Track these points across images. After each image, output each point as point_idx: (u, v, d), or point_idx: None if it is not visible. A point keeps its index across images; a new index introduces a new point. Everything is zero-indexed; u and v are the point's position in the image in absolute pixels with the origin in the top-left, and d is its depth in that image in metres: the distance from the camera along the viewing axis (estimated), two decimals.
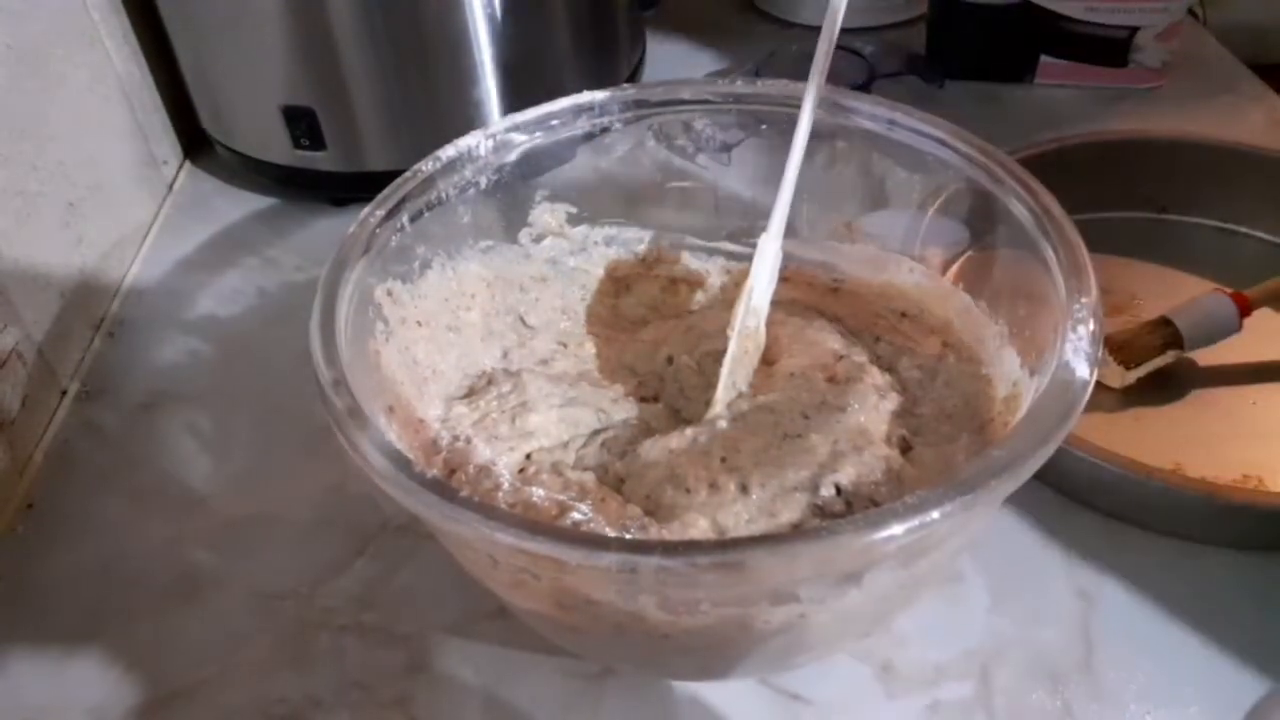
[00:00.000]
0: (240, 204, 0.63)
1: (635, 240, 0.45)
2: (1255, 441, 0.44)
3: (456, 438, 0.37)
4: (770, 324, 0.39)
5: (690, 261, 0.45)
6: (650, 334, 0.43)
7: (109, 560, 0.42)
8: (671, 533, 0.32)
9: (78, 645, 0.39)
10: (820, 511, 0.33)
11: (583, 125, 0.41)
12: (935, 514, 0.25)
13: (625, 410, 0.39)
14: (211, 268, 0.58)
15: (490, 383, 0.39)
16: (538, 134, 0.40)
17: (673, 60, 0.74)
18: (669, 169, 0.43)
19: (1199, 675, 0.36)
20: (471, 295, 0.41)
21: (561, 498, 0.34)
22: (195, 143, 0.67)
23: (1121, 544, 0.40)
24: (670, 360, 0.40)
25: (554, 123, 0.40)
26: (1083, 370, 0.28)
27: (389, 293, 0.37)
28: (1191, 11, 0.75)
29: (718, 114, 0.41)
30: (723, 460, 0.34)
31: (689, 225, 0.45)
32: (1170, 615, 0.38)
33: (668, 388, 0.40)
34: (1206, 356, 0.46)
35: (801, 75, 0.36)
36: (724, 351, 0.37)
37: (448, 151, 0.38)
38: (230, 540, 0.43)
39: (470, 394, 0.39)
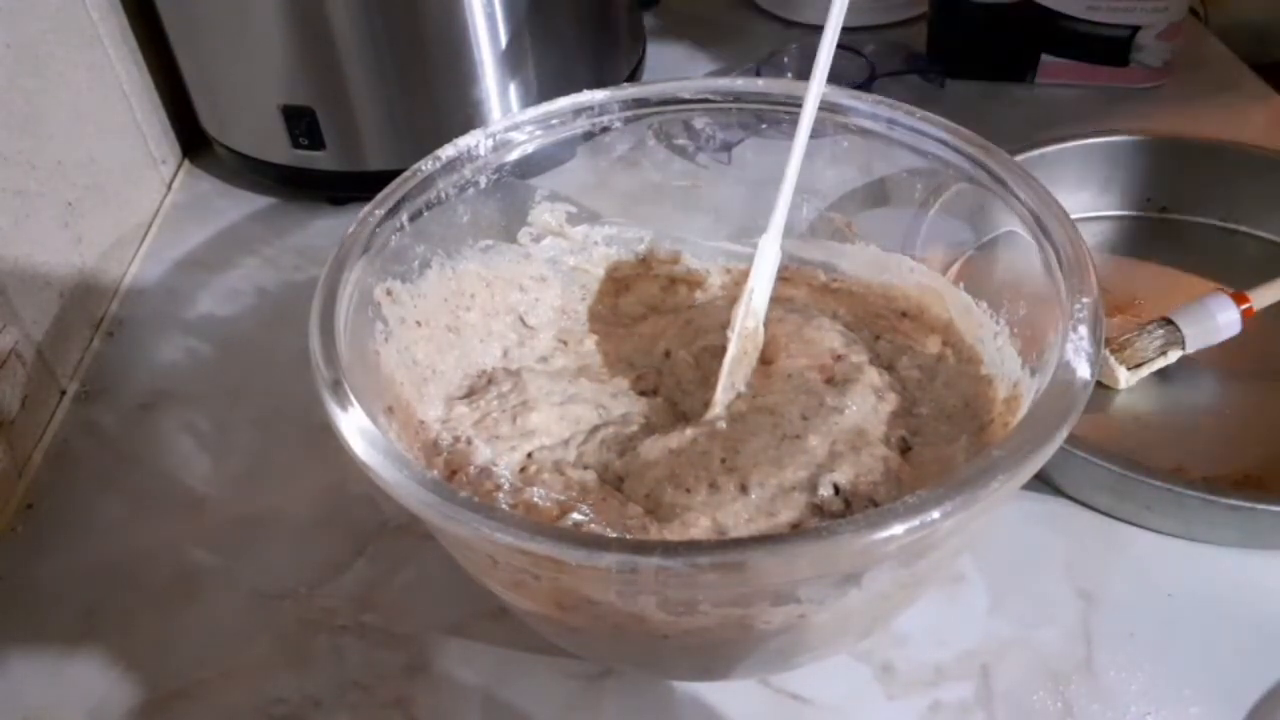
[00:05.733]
0: (239, 203, 0.63)
1: (635, 240, 0.45)
2: (1256, 442, 0.44)
3: (457, 439, 0.37)
4: (768, 321, 0.39)
5: (690, 261, 0.45)
6: (648, 328, 0.43)
7: (109, 560, 0.42)
8: (672, 532, 0.32)
9: (78, 645, 0.39)
10: (819, 511, 0.33)
11: (583, 125, 0.41)
12: (936, 514, 0.25)
13: (625, 404, 0.39)
14: (211, 267, 0.58)
15: (490, 382, 0.39)
16: (537, 134, 0.40)
17: (673, 60, 0.74)
18: (669, 169, 0.43)
19: (1200, 675, 0.36)
20: (471, 295, 0.41)
21: (562, 498, 0.34)
22: (194, 142, 0.66)
23: (1122, 544, 0.40)
24: (668, 354, 0.41)
25: (554, 122, 0.40)
26: (1083, 370, 0.28)
27: (388, 292, 0.36)
28: (1193, 10, 0.75)
29: (718, 113, 0.41)
30: (722, 461, 0.34)
31: (689, 225, 0.45)
32: (1171, 615, 0.38)
33: (665, 381, 0.40)
34: (1208, 357, 0.46)
35: (802, 74, 0.36)
36: (721, 347, 0.37)
37: (447, 151, 0.38)
38: (230, 540, 0.43)
39: (470, 394, 0.39)
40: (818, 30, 0.35)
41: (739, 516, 0.33)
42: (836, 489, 0.33)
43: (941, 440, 0.36)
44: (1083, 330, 0.29)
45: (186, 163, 0.67)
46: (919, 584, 0.32)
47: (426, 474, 0.27)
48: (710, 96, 0.41)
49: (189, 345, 0.53)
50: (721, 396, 0.37)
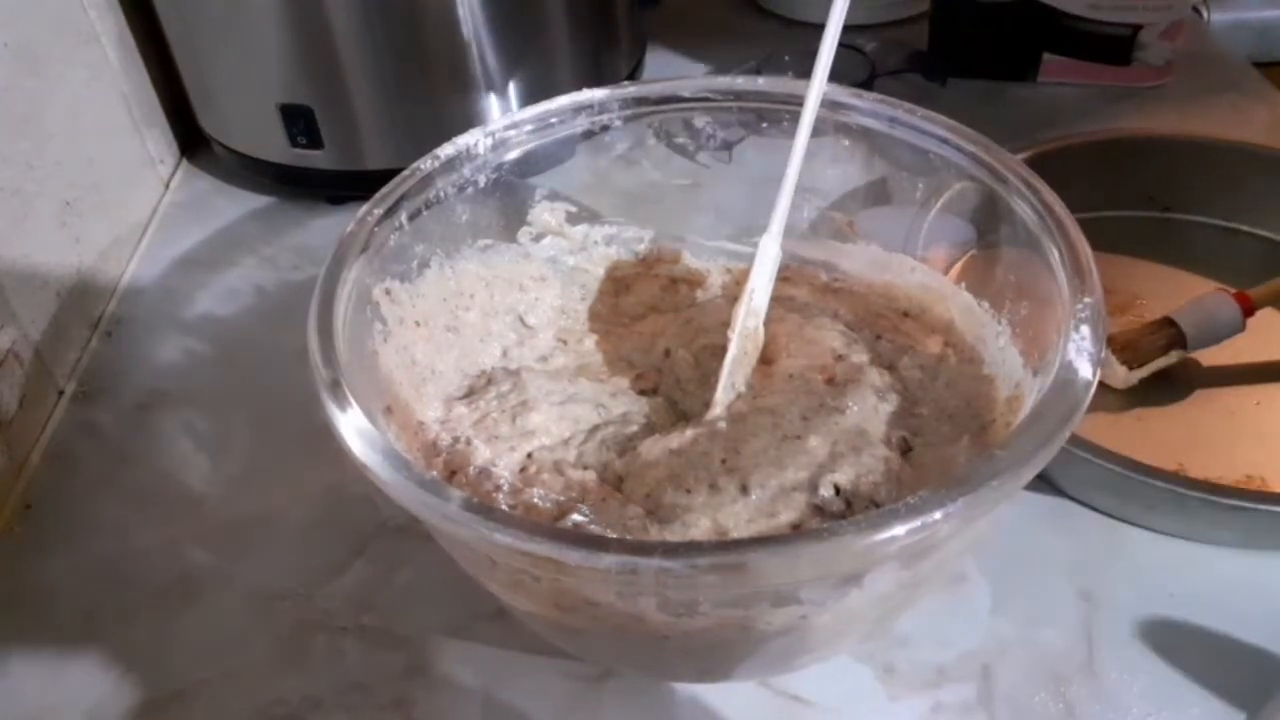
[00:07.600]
0: (237, 203, 0.63)
1: (635, 240, 0.45)
2: (1258, 442, 0.44)
3: (456, 439, 0.37)
4: (769, 321, 0.38)
5: (690, 261, 0.45)
6: (648, 326, 0.43)
7: (108, 560, 0.42)
8: (672, 533, 0.32)
9: (77, 646, 0.39)
10: (820, 512, 0.33)
11: (582, 123, 0.40)
12: (937, 515, 0.25)
13: (624, 403, 0.39)
14: (209, 267, 0.58)
15: (490, 382, 0.39)
16: (537, 132, 0.40)
17: (673, 59, 0.73)
18: (669, 168, 0.43)
19: (1201, 676, 0.36)
20: (470, 295, 0.41)
21: (562, 499, 0.34)
22: (192, 141, 0.66)
23: (1124, 545, 0.40)
24: (667, 353, 0.40)
25: (553, 121, 0.40)
26: (1086, 370, 0.28)
27: (387, 292, 0.36)
28: (1195, 9, 0.75)
29: (718, 112, 0.41)
30: (723, 461, 0.34)
31: (689, 225, 0.45)
32: (1173, 616, 0.38)
33: (665, 381, 0.40)
34: (1210, 357, 0.46)
35: (803, 73, 0.36)
36: (721, 347, 0.37)
37: (446, 150, 0.38)
38: (229, 540, 0.43)
39: (470, 394, 0.39)
40: (818, 29, 0.35)
41: (739, 517, 0.32)
42: (837, 490, 0.33)
43: (943, 441, 0.36)
44: (1085, 330, 0.29)
45: (184, 162, 0.67)
46: (920, 585, 0.32)
47: (425, 475, 0.27)
48: (710, 95, 0.41)
49: (187, 345, 0.53)
50: (722, 396, 0.37)
